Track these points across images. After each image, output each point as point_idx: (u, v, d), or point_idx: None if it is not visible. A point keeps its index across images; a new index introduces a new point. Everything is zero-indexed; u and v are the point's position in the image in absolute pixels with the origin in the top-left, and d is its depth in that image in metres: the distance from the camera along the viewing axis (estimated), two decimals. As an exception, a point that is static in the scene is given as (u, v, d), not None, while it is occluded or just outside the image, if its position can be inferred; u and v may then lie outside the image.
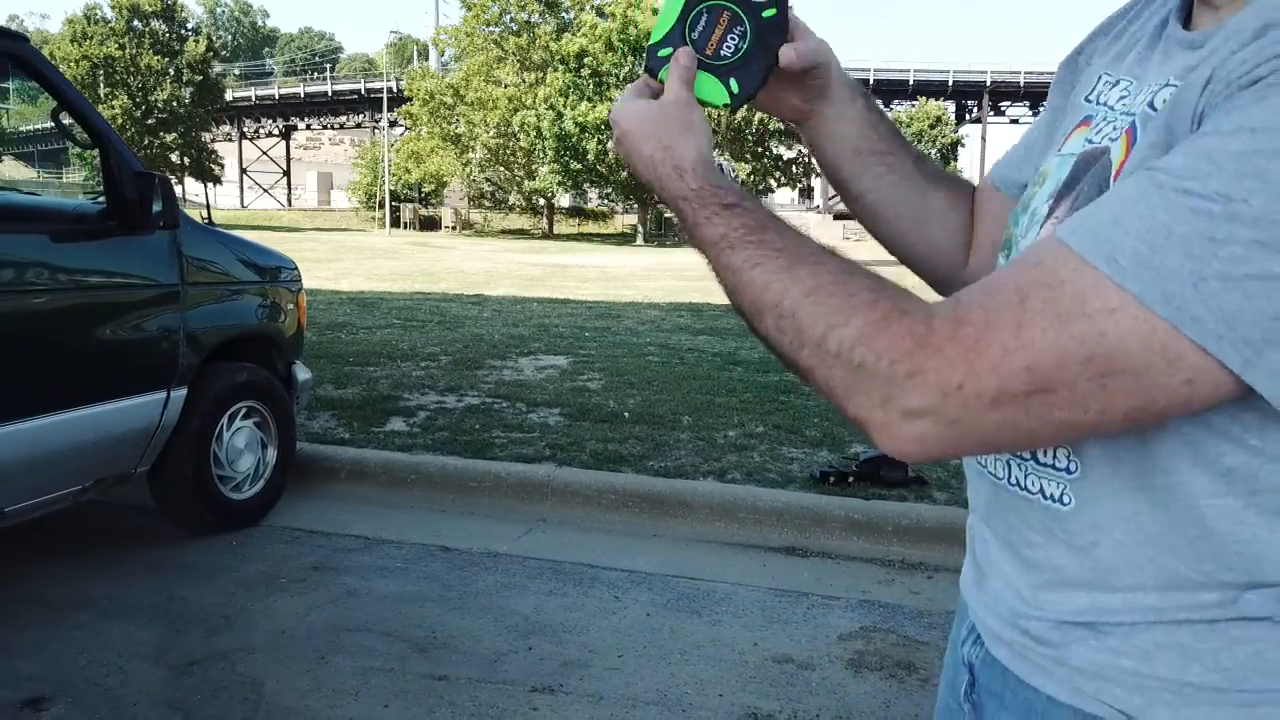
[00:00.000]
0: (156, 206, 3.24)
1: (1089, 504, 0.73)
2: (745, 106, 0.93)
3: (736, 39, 0.88)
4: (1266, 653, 0.68)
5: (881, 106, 0.99)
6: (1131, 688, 0.72)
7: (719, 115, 25.91)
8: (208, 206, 45.42)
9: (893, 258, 1.03)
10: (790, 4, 0.90)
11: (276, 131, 63.80)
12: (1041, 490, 0.76)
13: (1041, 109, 0.99)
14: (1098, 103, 0.81)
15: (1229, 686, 0.68)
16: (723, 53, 0.89)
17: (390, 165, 44.56)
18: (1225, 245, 0.56)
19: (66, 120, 3.38)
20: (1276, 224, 0.55)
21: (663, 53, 0.89)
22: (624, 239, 43.11)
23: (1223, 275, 0.56)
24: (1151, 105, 0.72)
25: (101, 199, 3.29)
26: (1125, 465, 0.70)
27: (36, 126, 57.87)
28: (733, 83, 0.89)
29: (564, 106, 37.45)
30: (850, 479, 4.21)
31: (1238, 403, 0.61)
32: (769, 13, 0.88)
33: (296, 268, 4.37)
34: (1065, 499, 0.74)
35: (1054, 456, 0.75)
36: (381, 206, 45.45)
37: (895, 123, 0.99)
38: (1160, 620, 0.71)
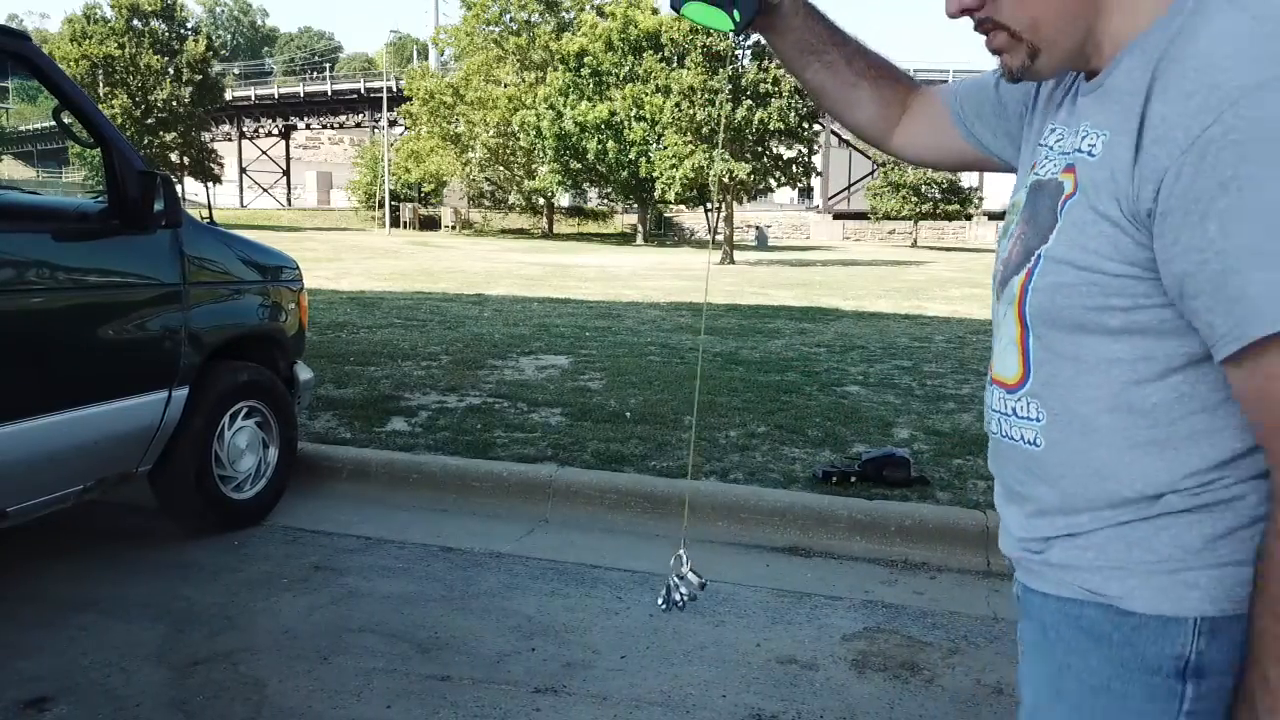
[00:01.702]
0: (159, 205, 3.23)
1: (1054, 446, 0.99)
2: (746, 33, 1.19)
3: None
4: (1182, 536, 0.93)
5: (824, 14, 1.27)
6: (1093, 570, 0.97)
7: (723, 117, 25.92)
8: (209, 206, 45.39)
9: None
10: None
11: (276, 131, 63.70)
12: (1021, 437, 1.02)
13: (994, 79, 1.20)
14: (1045, 145, 1.04)
15: (1158, 561, 0.94)
16: None
17: (390, 165, 44.52)
18: None
19: (68, 119, 3.37)
20: None
21: (685, 6, 1.13)
22: (624, 239, 43.07)
23: None
24: (1080, 149, 0.95)
25: (103, 197, 3.29)
26: (1078, 417, 0.96)
27: (36, 125, 57.83)
28: (735, 13, 1.12)
29: (564, 106, 37.38)
30: (853, 479, 4.21)
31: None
32: None
33: (298, 267, 4.36)
34: (1038, 441, 1.00)
35: (1027, 408, 1.01)
36: (381, 206, 45.40)
37: (835, 25, 1.28)
38: (1110, 524, 0.96)
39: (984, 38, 0.99)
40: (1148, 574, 0.94)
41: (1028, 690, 1.08)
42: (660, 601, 1.61)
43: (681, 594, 1.60)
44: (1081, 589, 0.98)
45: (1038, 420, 0.99)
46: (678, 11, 1.12)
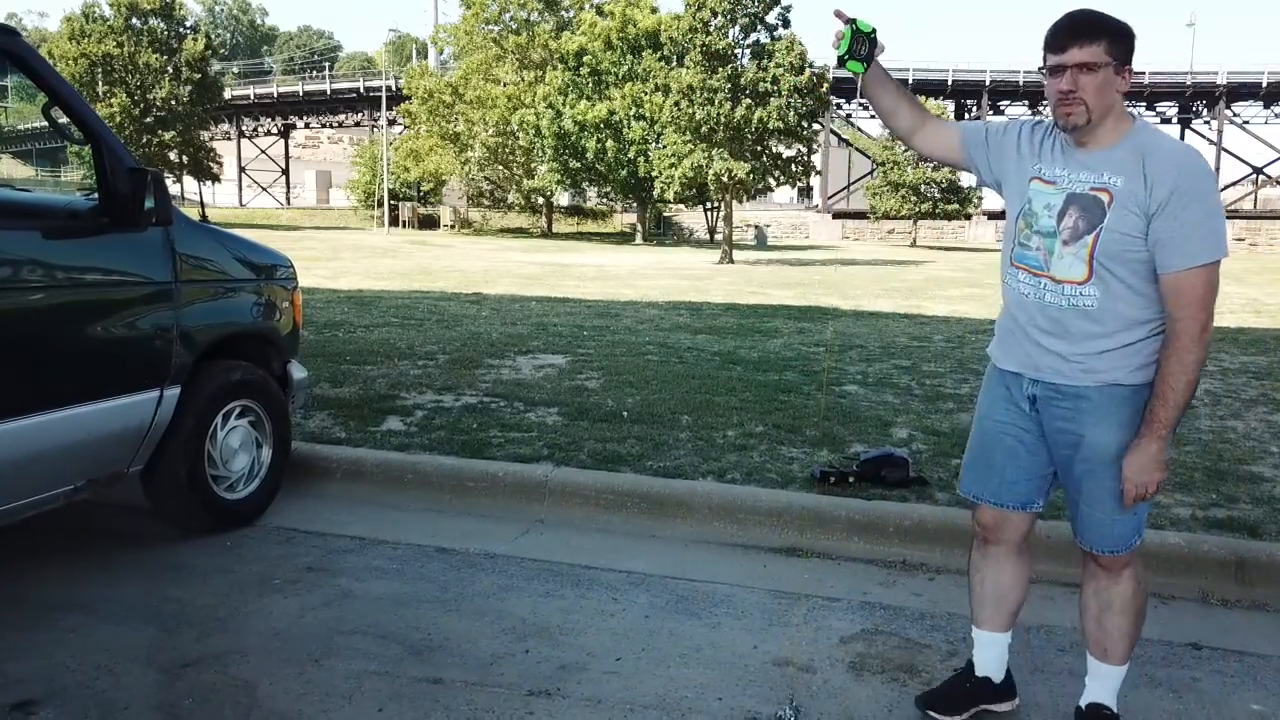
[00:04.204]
0: (149, 203, 3.19)
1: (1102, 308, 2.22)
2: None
3: (865, 46, 2.35)
4: (1143, 351, 2.21)
5: (887, 71, 2.49)
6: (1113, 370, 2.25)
7: (720, 115, 25.90)
8: (202, 204, 45.28)
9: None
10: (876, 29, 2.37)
11: (275, 130, 63.66)
12: (1077, 305, 2.24)
13: (993, 117, 2.00)
14: (1048, 179, 2.25)
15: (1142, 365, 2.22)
16: (861, 53, 2.34)
17: (389, 164, 44.47)
18: None
19: (61, 117, 3.33)
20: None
21: (848, 63, 2.36)
22: (623, 238, 43.04)
23: None
24: (1105, 182, 2.16)
25: (94, 195, 3.25)
26: (1120, 285, 2.19)
27: (34, 124, 57.71)
28: (864, 64, 2.35)
29: (563, 105, 37.34)
30: (851, 479, 4.17)
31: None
32: (873, 36, 2.35)
33: (292, 265, 4.33)
34: (1090, 303, 2.21)
35: (1088, 291, 2.21)
36: (380, 205, 45.37)
37: (895, 80, 2.49)
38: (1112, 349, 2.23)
39: (1061, 99, 2.15)
40: (1113, 369, 2.22)
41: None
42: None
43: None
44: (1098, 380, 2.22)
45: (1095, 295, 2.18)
46: (842, 66, 2.37)
